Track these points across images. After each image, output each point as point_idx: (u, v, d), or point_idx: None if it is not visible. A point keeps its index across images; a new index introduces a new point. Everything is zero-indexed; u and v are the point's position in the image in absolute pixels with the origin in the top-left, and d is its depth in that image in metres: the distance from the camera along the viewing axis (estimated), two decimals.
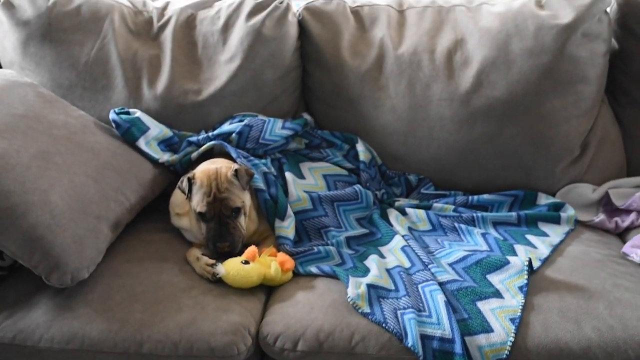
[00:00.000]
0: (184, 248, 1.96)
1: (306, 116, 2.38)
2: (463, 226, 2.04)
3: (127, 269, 1.83)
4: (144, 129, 2.13)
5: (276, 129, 2.21)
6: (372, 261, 1.86)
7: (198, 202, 1.86)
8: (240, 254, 1.83)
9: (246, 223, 1.94)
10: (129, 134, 2.09)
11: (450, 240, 2.01)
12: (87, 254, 1.72)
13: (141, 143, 2.10)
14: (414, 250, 1.88)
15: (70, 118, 2.02)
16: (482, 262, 1.79)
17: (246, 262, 1.78)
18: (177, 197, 2.02)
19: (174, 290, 1.75)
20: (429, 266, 1.79)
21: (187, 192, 1.89)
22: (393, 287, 1.74)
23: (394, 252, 1.92)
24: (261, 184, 2.00)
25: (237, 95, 2.27)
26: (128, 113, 2.16)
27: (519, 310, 1.62)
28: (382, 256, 1.92)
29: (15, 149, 1.75)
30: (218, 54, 2.29)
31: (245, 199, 1.91)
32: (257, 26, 2.25)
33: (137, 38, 2.33)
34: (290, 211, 2.01)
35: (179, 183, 1.92)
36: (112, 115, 2.12)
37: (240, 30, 2.27)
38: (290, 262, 1.84)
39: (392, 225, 2.06)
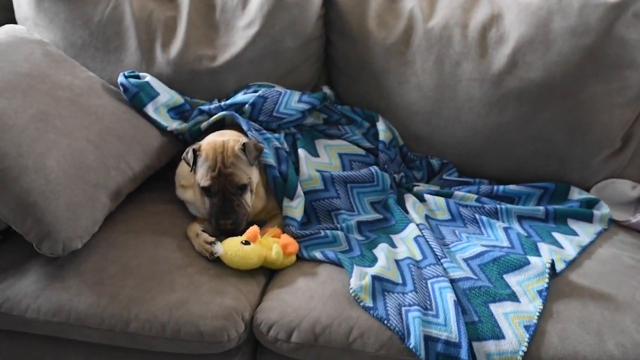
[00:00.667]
0: (187, 222, 1.87)
1: (326, 90, 2.24)
2: (484, 218, 1.89)
3: (124, 241, 1.76)
4: (153, 95, 2.03)
5: (292, 102, 2.08)
6: (381, 250, 1.74)
7: (202, 175, 1.76)
8: (243, 232, 1.72)
9: (252, 200, 1.83)
10: (137, 99, 2.00)
11: (469, 232, 1.87)
12: (82, 224, 1.65)
13: (149, 109, 2.01)
14: (427, 242, 1.74)
15: (77, 79, 1.94)
16: (500, 260, 1.65)
17: (246, 243, 1.68)
18: (183, 168, 1.93)
19: (169, 266, 1.67)
20: (442, 260, 1.66)
21: (191, 164, 1.79)
22: (400, 281, 1.62)
23: (406, 242, 1.79)
24: (271, 160, 1.88)
25: (254, 64, 2.15)
26: (138, 77, 2.06)
27: (536, 317, 1.48)
28: (393, 245, 1.79)
29: (14, 108, 1.67)
30: (236, 18, 2.16)
31: (252, 175, 1.80)
32: None
33: None
34: (300, 190, 1.89)
35: (184, 154, 1.83)
36: (120, 79, 2.02)
37: None
38: (293, 246, 1.73)
39: (407, 212, 1.93)
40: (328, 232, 1.80)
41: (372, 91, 2.19)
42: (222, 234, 1.77)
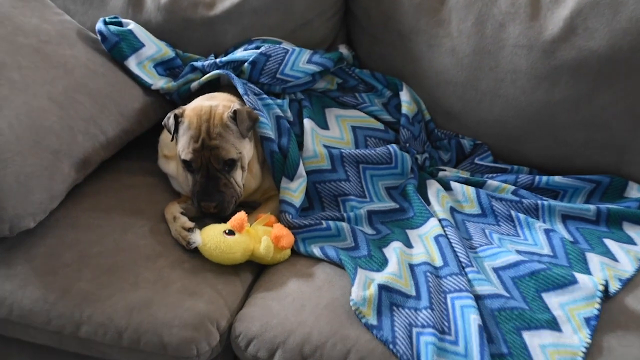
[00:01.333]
0: (168, 199, 1.61)
1: (343, 50, 1.92)
2: (522, 216, 1.56)
3: (87, 220, 1.49)
4: (137, 46, 1.73)
5: (300, 62, 1.76)
6: (393, 251, 1.43)
7: (183, 147, 1.48)
8: (233, 215, 1.44)
9: (244, 179, 1.54)
10: (117, 50, 1.71)
11: (501, 233, 1.55)
12: (35, 198, 1.38)
13: (131, 63, 1.72)
14: (450, 244, 1.43)
15: (46, 23, 1.65)
16: (539, 275, 1.33)
17: (231, 232, 1.39)
18: (167, 135, 1.63)
19: (135, 256, 1.40)
20: (467, 269, 1.36)
21: (172, 131, 1.50)
22: (413, 293, 1.32)
23: (425, 241, 1.48)
24: (269, 131, 1.58)
25: (259, 14, 1.84)
26: (121, 24, 1.75)
27: (581, 353, 1.18)
28: (408, 244, 1.49)
29: None
30: None
31: (243, 149, 1.50)
32: None
33: None
34: (302, 170, 1.59)
35: (165, 119, 1.54)
36: (98, 25, 1.73)
37: None
38: (288, 239, 1.44)
39: (429, 203, 1.62)
40: (331, 223, 1.50)
41: (397, 54, 1.88)
42: (206, 216, 1.51)
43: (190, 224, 1.45)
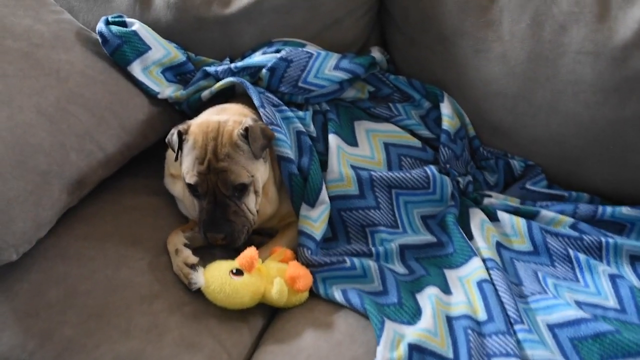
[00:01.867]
0: (173, 225, 1.43)
1: (375, 53, 1.71)
2: (582, 257, 1.33)
3: (79, 250, 1.32)
4: (142, 49, 1.55)
5: (326, 68, 1.57)
6: (427, 299, 1.22)
7: (188, 169, 1.30)
8: (246, 247, 1.26)
9: (258, 204, 1.35)
10: (119, 54, 1.53)
11: (557, 277, 1.32)
12: (18, 228, 1.22)
13: (135, 68, 1.54)
14: (496, 292, 1.21)
15: (40, 24, 1.48)
16: (605, 339, 1.10)
17: (238, 272, 1.20)
18: (173, 153, 1.45)
19: (130, 296, 1.23)
20: (516, 327, 1.14)
21: (176, 150, 1.32)
22: (451, 356, 1.11)
23: (466, 286, 1.26)
24: (288, 150, 1.38)
25: (280, 12, 1.66)
26: (125, 25, 1.57)
27: None
28: (446, 289, 1.27)
29: None
30: None
31: (256, 172, 1.32)
32: None
33: None
34: (325, 195, 1.40)
35: (168, 136, 1.36)
36: (99, 26, 1.55)
37: None
38: (305, 281, 1.26)
39: (472, 237, 1.40)
40: (356, 261, 1.29)
41: (438, 59, 1.69)
42: (215, 247, 1.33)
43: (194, 260, 1.27)
